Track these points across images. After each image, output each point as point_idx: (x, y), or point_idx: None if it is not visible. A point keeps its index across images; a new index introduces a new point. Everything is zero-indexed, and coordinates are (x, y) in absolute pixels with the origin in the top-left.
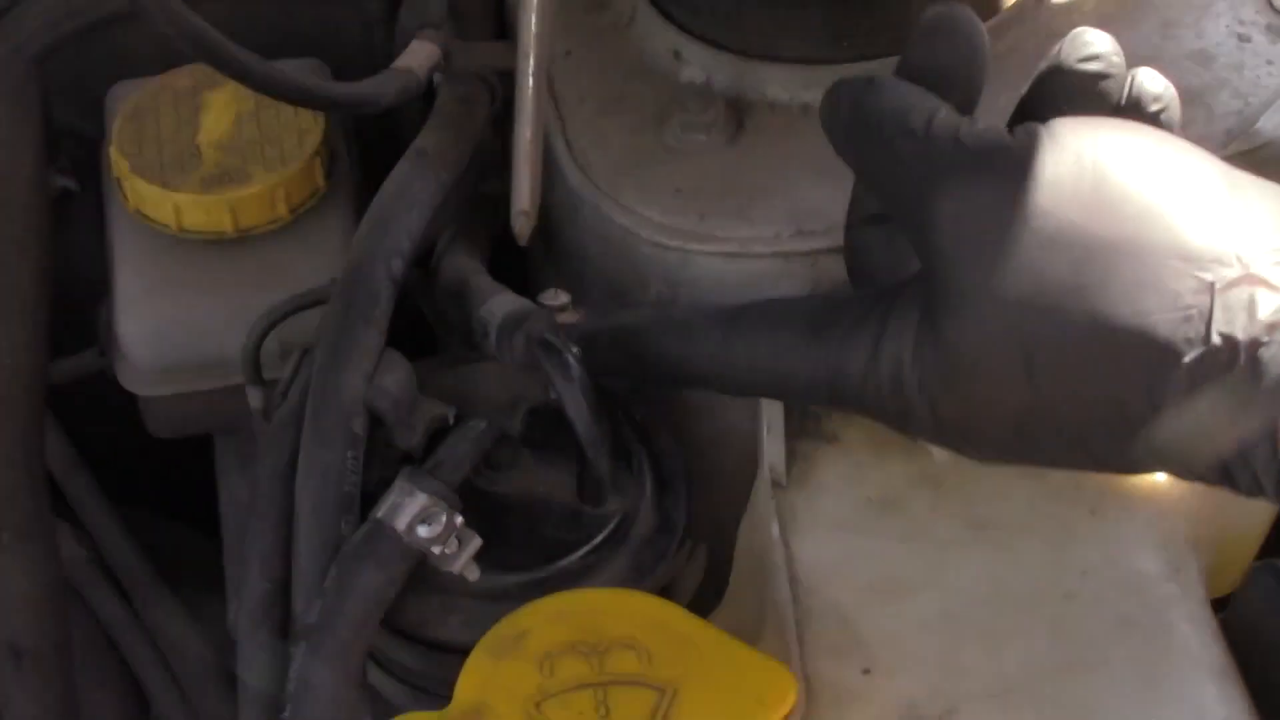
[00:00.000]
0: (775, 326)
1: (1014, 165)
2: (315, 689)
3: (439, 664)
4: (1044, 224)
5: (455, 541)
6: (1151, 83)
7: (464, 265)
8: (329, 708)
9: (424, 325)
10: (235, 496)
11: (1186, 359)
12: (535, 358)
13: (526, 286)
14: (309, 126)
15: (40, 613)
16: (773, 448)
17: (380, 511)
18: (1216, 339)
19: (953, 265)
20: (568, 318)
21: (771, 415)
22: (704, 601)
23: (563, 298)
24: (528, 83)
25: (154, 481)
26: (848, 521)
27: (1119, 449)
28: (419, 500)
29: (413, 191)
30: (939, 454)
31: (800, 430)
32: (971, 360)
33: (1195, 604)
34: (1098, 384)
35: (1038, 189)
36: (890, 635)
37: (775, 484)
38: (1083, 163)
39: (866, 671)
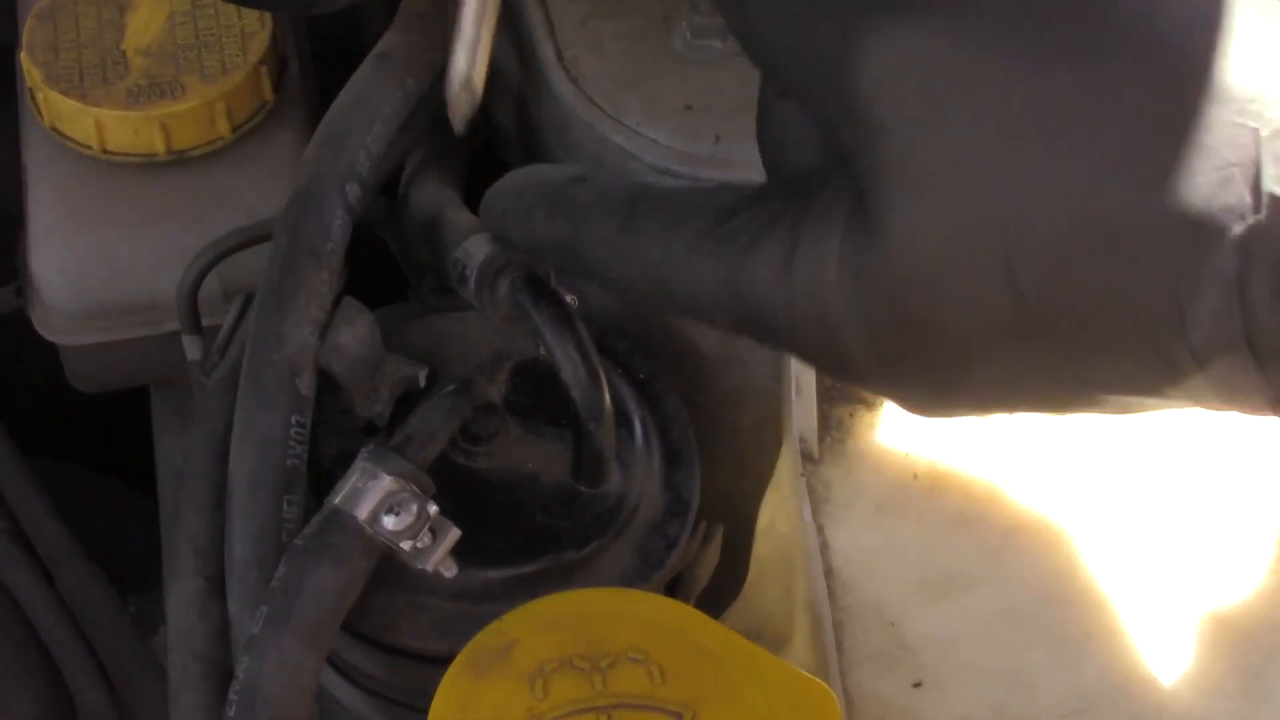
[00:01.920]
0: (674, 222)
1: None
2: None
3: (409, 673)
4: (1021, 76)
5: (428, 534)
6: None
7: (436, 195)
8: None
9: (390, 266)
10: (172, 459)
11: (1233, 233)
12: (522, 307)
13: None
14: (254, 29)
15: None
16: (802, 412)
17: (338, 497)
18: (1267, 203)
19: (892, 141)
20: None
21: (801, 372)
22: (719, 594)
23: None
24: None
25: (85, 431)
26: (892, 502)
27: (1138, 377)
28: (383, 484)
29: (372, 102)
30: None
31: (835, 391)
32: (927, 265)
33: None
34: (1105, 286)
35: (1009, 25)
36: (945, 641)
37: (805, 456)
38: None
39: (917, 685)
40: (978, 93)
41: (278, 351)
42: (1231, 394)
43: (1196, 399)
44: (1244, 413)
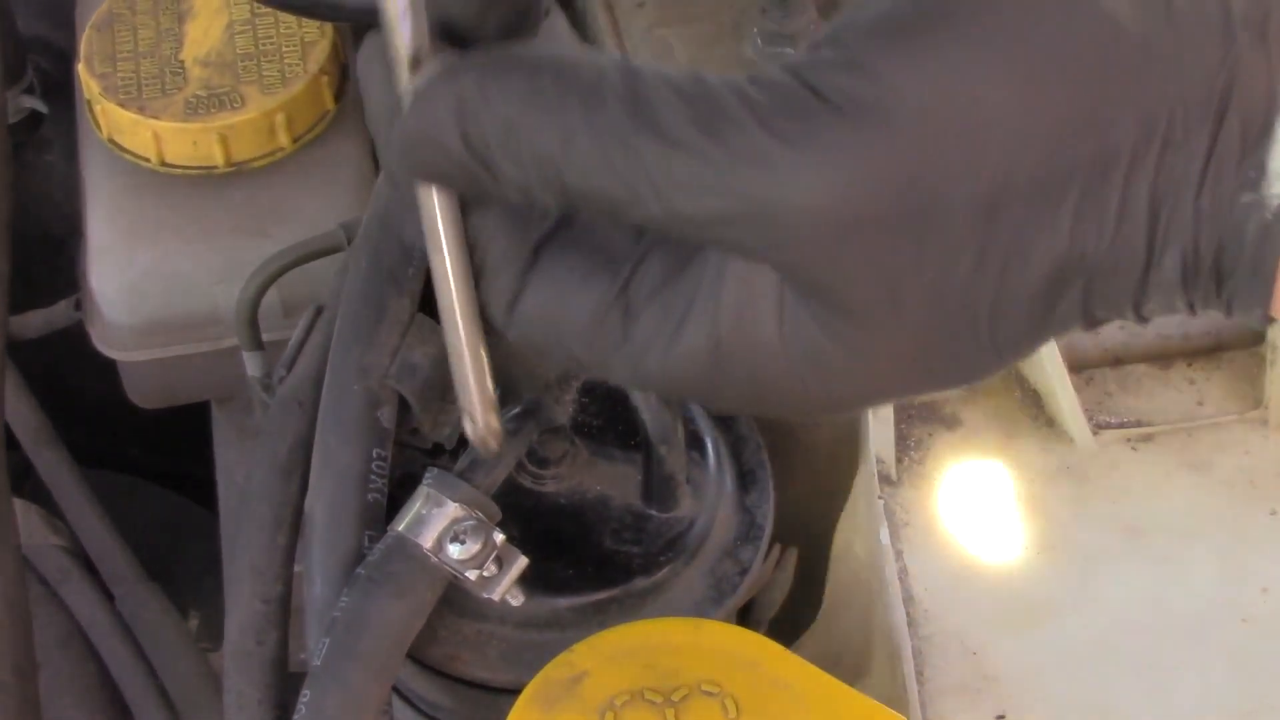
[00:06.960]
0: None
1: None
2: None
3: (476, 704)
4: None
5: (494, 563)
6: None
7: None
8: None
9: None
10: (232, 473)
11: None
12: None
13: None
14: (314, 38)
15: None
16: (879, 432)
17: (402, 524)
18: None
19: None
20: None
21: None
22: (794, 618)
23: None
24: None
25: (145, 443)
26: (974, 526)
27: None
28: (449, 511)
29: None
30: (1083, 441)
31: (913, 411)
32: None
33: None
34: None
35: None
36: (1029, 670)
37: (883, 478)
38: None
39: (1001, 718)
40: None
41: (358, 383)
42: None
43: None
44: None
